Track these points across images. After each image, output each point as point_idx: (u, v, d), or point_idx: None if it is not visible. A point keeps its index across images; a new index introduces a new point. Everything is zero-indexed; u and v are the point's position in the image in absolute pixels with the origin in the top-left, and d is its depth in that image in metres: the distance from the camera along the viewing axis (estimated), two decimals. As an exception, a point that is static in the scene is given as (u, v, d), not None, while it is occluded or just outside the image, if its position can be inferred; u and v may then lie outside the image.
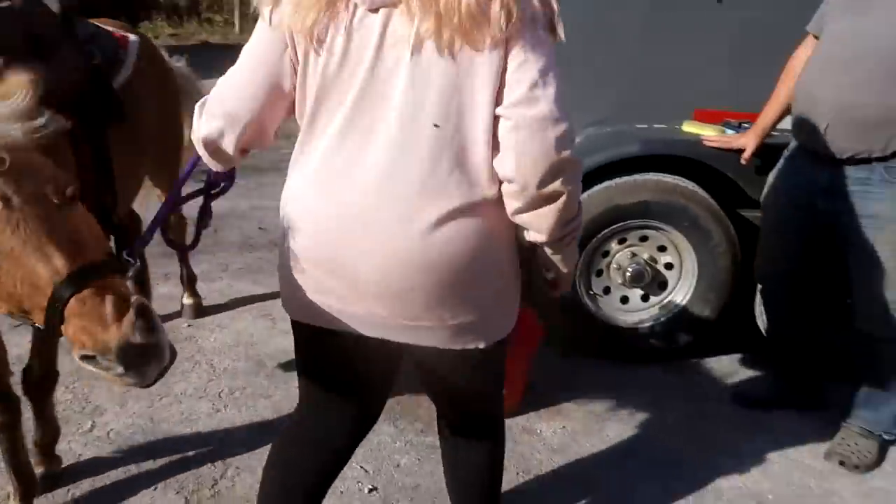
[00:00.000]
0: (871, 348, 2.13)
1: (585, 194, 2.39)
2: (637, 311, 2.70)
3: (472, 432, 1.54)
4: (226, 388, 2.44)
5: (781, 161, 2.24)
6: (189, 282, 2.92)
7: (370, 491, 1.99)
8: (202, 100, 1.30)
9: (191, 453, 2.09)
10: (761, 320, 2.55)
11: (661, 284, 2.68)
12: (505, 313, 1.32)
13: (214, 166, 1.36)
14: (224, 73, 1.27)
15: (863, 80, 1.90)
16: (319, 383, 1.49)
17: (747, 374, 2.68)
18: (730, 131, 2.53)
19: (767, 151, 2.40)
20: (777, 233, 2.25)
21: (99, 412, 2.26)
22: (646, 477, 2.10)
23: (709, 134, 2.52)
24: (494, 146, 1.13)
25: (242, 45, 1.26)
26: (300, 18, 1.13)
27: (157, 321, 1.01)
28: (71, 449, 2.08)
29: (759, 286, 2.44)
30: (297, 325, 1.42)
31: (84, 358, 1.02)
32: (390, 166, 1.14)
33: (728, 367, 2.72)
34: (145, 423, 2.23)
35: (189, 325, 2.86)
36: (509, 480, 2.04)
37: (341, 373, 1.44)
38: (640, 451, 2.20)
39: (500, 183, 1.15)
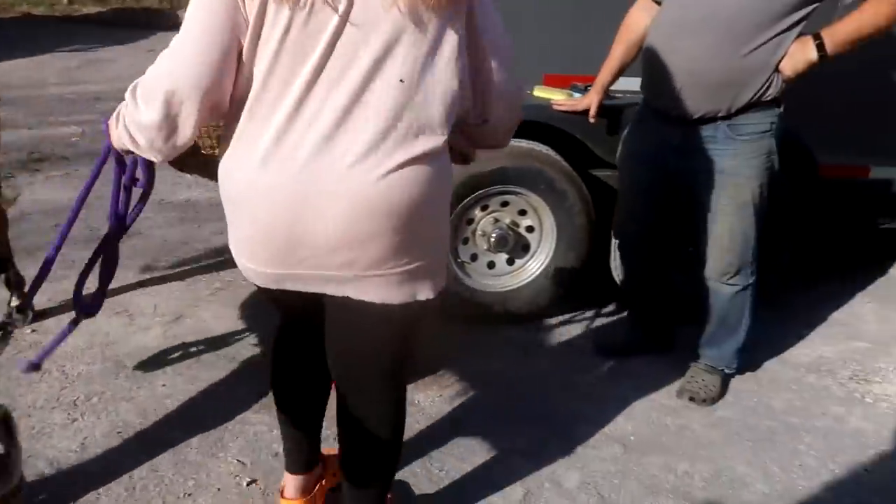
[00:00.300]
0: (714, 293, 2.32)
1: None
2: (504, 275, 2.79)
3: (379, 395, 1.53)
4: (81, 395, 2.27)
5: (633, 123, 2.36)
6: (17, 285, 2.65)
7: (249, 483, 1.94)
8: (133, 85, 1.24)
9: (46, 471, 1.94)
10: (617, 273, 2.72)
11: (525, 247, 2.78)
12: (443, 265, 1.41)
13: (158, 157, 1.30)
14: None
15: (709, 44, 2.01)
16: (286, 310, 1.64)
17: (607, 325, 2.85)
18: (577, 94, 2.63)
19: (614, 113, 2.53)
20: (633, 191, 2.38)
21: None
22: (521, 433, 2.19)
23: (558, 98, 2.61)
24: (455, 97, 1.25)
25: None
26: None
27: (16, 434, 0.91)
28: None
29: (617, 242, 2.58)
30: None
31: None
32: (356, 118, 1.19)
33: (589, 320, 2.88)
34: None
35: (34, 331, 2.63)
36: (390, 454, 2.07)
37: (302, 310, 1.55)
38: (515, 409, 2.29)
39: (449, 130, 1.26)
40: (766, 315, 2.91)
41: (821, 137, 2.64)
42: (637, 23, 2.29)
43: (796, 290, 3.10)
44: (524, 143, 2.63)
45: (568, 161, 2.67)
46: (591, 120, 2.47)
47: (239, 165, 1.25)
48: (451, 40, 1.21)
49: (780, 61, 2.00)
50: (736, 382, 2.50)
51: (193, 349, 2.56)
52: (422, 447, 2.11)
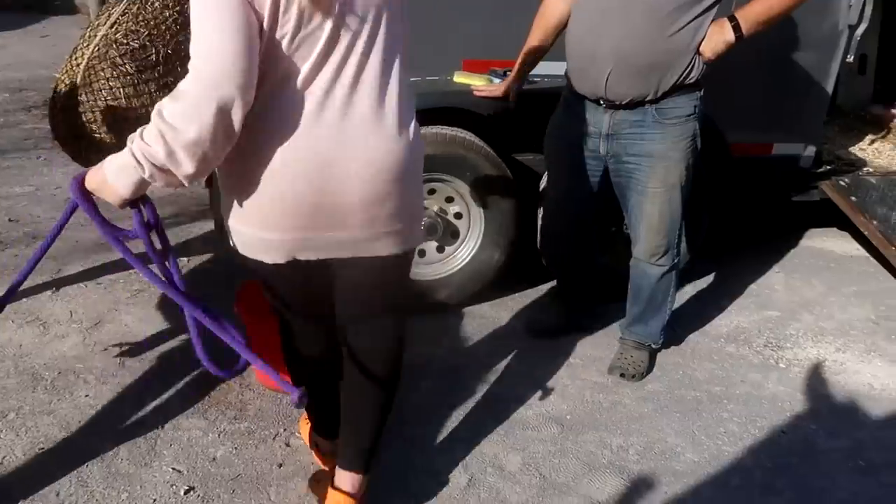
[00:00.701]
0: (643, 273, 2.41)
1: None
2: (434, 263, 2.79)
3: (391, 332, 1.73)
4: (-4, 412, 2.14)
5: (561, 108, 2.39)
6: None
7: (187, 492, 1.89)
8: (162, 114, 1.25)
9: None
10: (545, 256, 2.77)
11: (454, 234, 2.79)
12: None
13: (195, 177, 1.31)
14: None
15: (634, 27, 2.05)
16: (288, 300, 1.67)
17: (537, 307, 2.90)
18: (496, 80, 2.65)
19: (535, 97, 2.56)
20: (563, 177, 2.42)
21: None
22: (462, 420, 2.22)
23: (477, 83, 2.62)
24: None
25: None
26: None
27: None
28: None
29: (547, 225, 2.61)
30: (266, 265, 1.51)
31: None
32: (380, 92, 1.37)
33: (520, 303, 2.93)
34: None
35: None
36: (332, 450, 2.05)
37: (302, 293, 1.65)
38: (454, 398, 2.31)
39: None
40: (686, 289, 3.07)
41: (728, 117, 2.77)
42: (554, 8, 2.32)
43: (712, 263, 3.26)
44: (447, 130, 2.63)
45: (491, 146, 2.69)
46: (511, 105, 2.50)
47: (269, 140, 1.34)
48: (403, 19, 1.40)
49: (699, 44, 2.07)
50: (662, 356, 2.61)
51: (117, 355, 2.44)
52: (363, 441, 2.10)
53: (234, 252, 1.58)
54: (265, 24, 1.24)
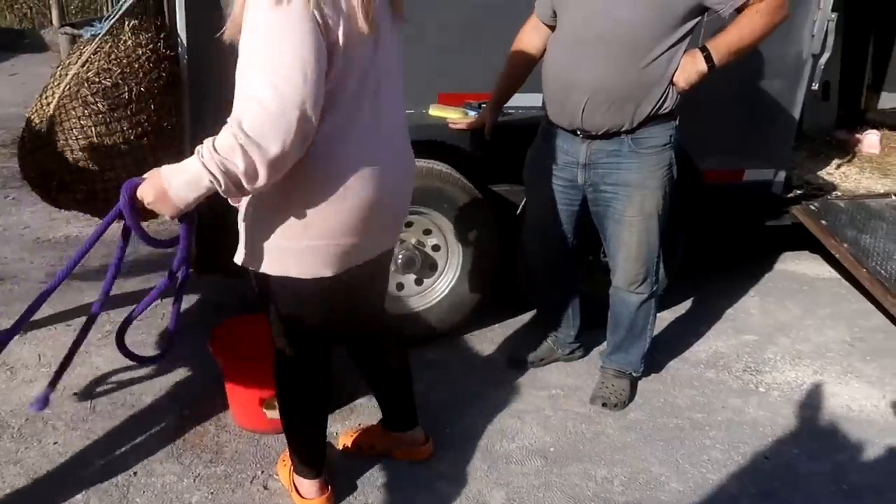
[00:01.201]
0: (622, 301, 2.41)
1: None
2: (413, 296, 2.77)
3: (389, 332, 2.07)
4: (-40, 463, 2.05)
5: (538, 139, 2.40)
6: None
7: (161, 541, 1.82)
8: (237, 132, 1.29)
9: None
10: (525, 285, 2.76)
11: (432, 266, 2.78)
12: None
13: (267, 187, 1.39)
14: None
15: (609, 60, 2.07)
16: (327, 319, 1.74)
17: (517, 338, 2.89)
18: (471, 112, 2.66)
19: (510, 129, 2.58)
20: (542, 207, 2.42)
21: None
22: (444, 457, 2.18)
23: (453, 116, 2.63)
24: None
25: None
26: None
27: None
28: None
29: (526, 256, 2.61)
30: (323, 282, 1.59)
31: None
32: (399, 104, 1.62)
33: (500, 335, 2.91)
34: None
35: None
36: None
37: (363, 295, 1.84)
38: (437, 432, 2.26)
39: None
40: (664, 315, 3.08)
41: (699, 145, 2.81)
42: (528, 42, 2.35)
43: (689, 289, 3.28)
44: (424, 163, 2.63)
45: (468, 178, 2.70)
46: (487, 137, 2.51)
47: (339, 152, 1.46)
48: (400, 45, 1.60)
49: (673, 74, 2.11)
50: (643, 384, 2.60)
51: (86, 399, 2.37)
52: (344, 479, 2.05)
53: (259, 281, 1.67)
54: (331, 43, 1.36)
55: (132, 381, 2.48)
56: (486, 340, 2.86)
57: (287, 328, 1.73)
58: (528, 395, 2.53)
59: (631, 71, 2.08)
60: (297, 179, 1.44)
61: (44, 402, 1.86)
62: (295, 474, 1.94)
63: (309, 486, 1.92)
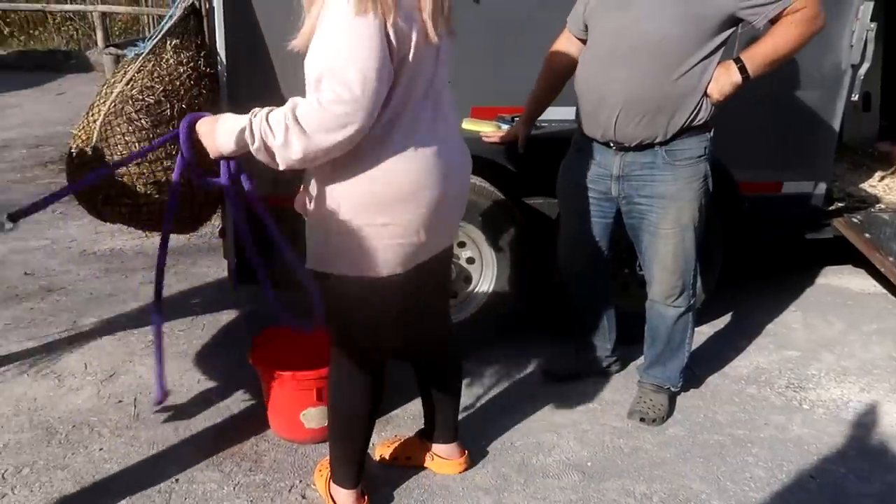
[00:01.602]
0: (659, 315, 2.39)
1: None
2: (449, 308, 2.77)
3: (453, 329, 2.15)
4: (10, 467, 2.11)
5: (572, 152, 2.41)
6: None
7: (202, 548, 1.85)
8: (298, 112, 1.43)
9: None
10: (559, 298, 2.75)
11: (466, 279, 2.79)
12: None
13: (298, 168, 1.54)
14: None
15: (642, 72, 2.08)
16: (394, 320, 1.79)
17: (552, 351, 2.87)
18: (504, 125, 2.67)
19: (544, 143, 2.58)
20: (577, 220, 2.42)
21: None
22: (481, 470, 2.17)
23: (486, 130, 2.64)
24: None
25: None
26: None
27: None
28: None
29: (560, 268, 2.60)
30: (388, 282, 1.66)
31: None
32: (455, 117, 1.75)
33: (536, 348, 2.89)
34: None
35: None
36: None
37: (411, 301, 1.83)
38: (471, 443, 2.26)
39: None
40: (703, 329, 3.04)
41: (736, 156, 2.78)
42: (561, 56, 2.36)
43: (729, 303, 3.23)
44: (460, 176, 2.64)
45: (501, 191, 2.70)
46: (521, 151, 2.52)
47: (412, 155, 1.56)
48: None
49: (706, 86, 2.10)
50: (682, 399, 2.56)
51: (131, 408, 2.43)
52: (381, 491, 2.06)
53: (326, 287, 1.72)
54: (399, 53, 1.46)
55: (175, 390, 2.52)
56: (521, 354, 2.85)
57: (352, 334, 1.78)
58: (564, 408, 2.51)
59: (663, 83, 2.07)
60: (378, 181, 1.55)
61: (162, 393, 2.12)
62: (333, 484, 1.95)
63: (346, 497, 1.93)
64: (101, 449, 2.21)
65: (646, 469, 2.21)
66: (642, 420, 2.41)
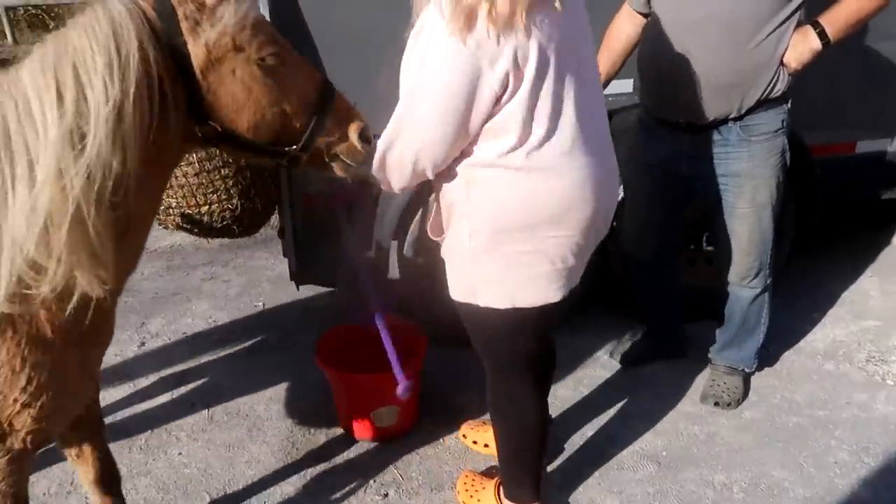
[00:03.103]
0: (734, 296, 2.30)
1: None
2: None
3: None
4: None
5: (638, 132, 2.30)
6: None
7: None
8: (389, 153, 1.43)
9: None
10: (624, 281, 2.68)
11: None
12: None
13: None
14: None
15: (712, 44, 1.96)
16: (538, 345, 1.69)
17: (617, 334, 2.81)
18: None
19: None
20: (641, 201, 2.33)
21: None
22: (552, 461, 2.15)
23: None
24: None
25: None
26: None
27: None
28: None
29: (626, 250, 2.52)
30: (538, 312, 1.55)
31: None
32: (601, 117, 1.56)
33: (600, 332, 2.84)
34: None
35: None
36: (424, 501, 2.02)
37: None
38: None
39: None
40: (773, 302, 2.92)
41: (806, 119, 2.62)
42: (621, 32, 2.24)
43: (798, 271, 3.10)
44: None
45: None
46: None
47: (559, 173, 1.42)
48: None
49: (783, 54, 1.97)
50: (757, 380, 2.48)
51: (205, 411, 2.48)
52: (451, 484, 2.06)
53: (468, 315, 1.63)
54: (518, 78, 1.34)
55: (245, 391, 2.57)
56: (589, 338, 2.79)
57: (503, 361, 1.70)
58: (633, 395, 2.46)
59: (737, 54, 1.95)
60: (519, 202, 1.43)
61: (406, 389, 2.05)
62: (506, 499, 1.88)
63: None
64: (179, 453, 2.27)
65: (723, 456, 2.15)
66: (717, 404, 2.35)
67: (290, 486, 2.12)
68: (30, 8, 9.70)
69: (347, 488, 2.10)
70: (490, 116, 1.37)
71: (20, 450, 1.31)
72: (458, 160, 1.45)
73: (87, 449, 1.70)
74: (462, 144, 1.41)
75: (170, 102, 1.15)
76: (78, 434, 1.65)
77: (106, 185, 1.07)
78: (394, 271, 2.54)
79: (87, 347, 1.33)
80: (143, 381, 2.66)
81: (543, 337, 1.70)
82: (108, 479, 1.76)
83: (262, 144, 1.29)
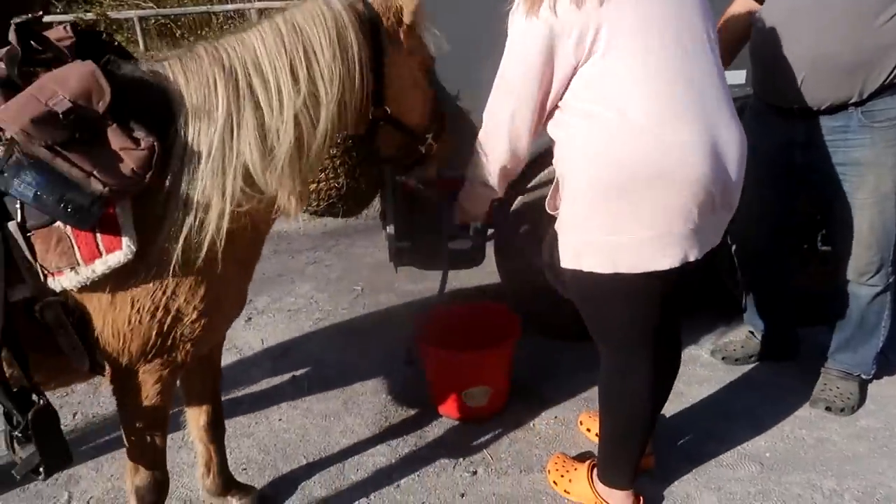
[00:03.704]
0: (852, 295, 2.16)
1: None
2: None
3: None
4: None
5: (749, 120, 2.21)
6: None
7: (375, 517, 1.93)
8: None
9: (181, 511, 1.98)
10: (728, 278, 2.57)
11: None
12: None
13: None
14: None
15: (832, 25, 1.88)
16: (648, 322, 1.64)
17: (724, 331, 2.70)
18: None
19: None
20: (755, 193, 2.23)
21: (73, 481, 2.12)
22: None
23: None
24: None
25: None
26: None
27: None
28: (50, 527, 1.95)
29: (738, 244, 2.43)
30: (646, 280, 1.51)
31: None
32: (714, 77, 1.52)
33: (705, 327, 2.74)
34: (125, 485, 2.09)
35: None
36: (513, 482, 2.02)
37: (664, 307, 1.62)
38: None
39: None
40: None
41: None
42: (736, 20, 2.16)
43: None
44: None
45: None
46: None
47: (656, 133, 1.41)
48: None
49: None
50: (875, 388, 2.32)
51: (304, 382, 2.58)
52: (541, 467, 2.04)
53: (577, 286, 1.64)
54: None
55: (341, 366, 2.65)
56: (690, 335, 2.70)
57: (613, 332, 1.67)
58: (736, 394, 2.36)
59: (861, 35, 1.85)
60: (615, 162, 1.43)
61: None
62: (601, 485, 1.86)
63: (622, 499, 1.83)
64: (280, 419, 2.37)
65: (834, 463, 2.02)
66: (828, 409, 2.21)
67: (382, 456, 2.16)
68: (159, 18, 10.50)
69: (437, 463, 2.12)
70: (569, 81, 1.46)
71: (180, 363, 1.47)
72: (556, 129, 1.54)
73: (203, 393, 1.83)
74: (547, 109, 1.51)
75: (367, 86, 1.45)
76: (200, 376, 1.79)
77: (326, 136, 1.41)
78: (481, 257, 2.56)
79: (249, 271, 1.58)
80: (249, 352, 2.80)
81: (657, 312, 1.61)
82: (216, 425, 1.88)
83: (412, 129, 1.59)
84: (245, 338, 2.90)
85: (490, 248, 2.63)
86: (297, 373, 2.64)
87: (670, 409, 2.29)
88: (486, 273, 2.95)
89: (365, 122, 1.53)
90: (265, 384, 2.58)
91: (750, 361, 2.49)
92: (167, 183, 1.31)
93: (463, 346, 2.23)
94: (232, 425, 2.34)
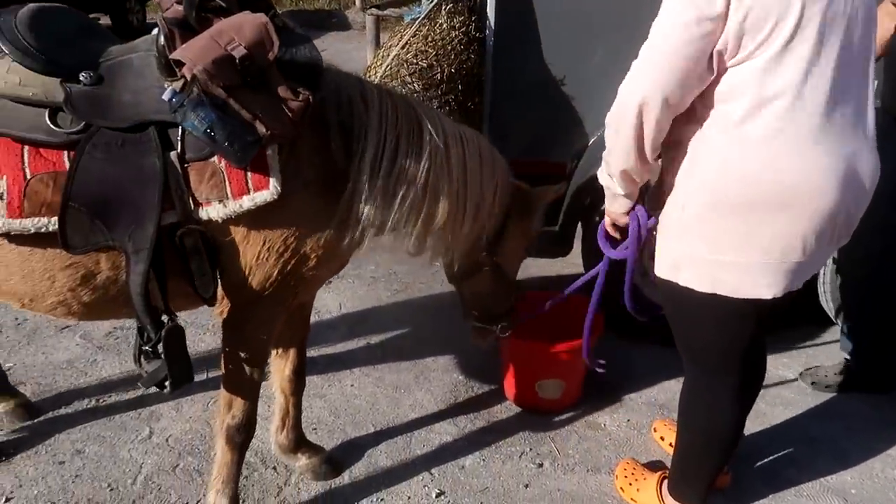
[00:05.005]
0: None
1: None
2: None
3: None
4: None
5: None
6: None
7: (438, 495, 1.94)
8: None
9: (251, 459, 2.04)
10: (828, 299, 2.44)
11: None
12: None
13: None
14: None
15: None
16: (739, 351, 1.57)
17: (814, 355, 2.58)
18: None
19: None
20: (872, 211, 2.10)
21: (155, 417, 2.22)
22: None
23: None
24: None
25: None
26: None
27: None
28: (131, 457, 2.05)
29: (838, 267, 2.29)
30: (745, 305, 1.43)
31: None
32: (859, 92, 1.38)
33: (793, 350, 2.62)
34: (202, 428, 2.18)
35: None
36: (579, 480, 1.99)
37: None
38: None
39: None
40: None
41: None
42: (882, 30, 2.01)
43: None
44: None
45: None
46: None
47: (787, 149, 1.29)
48: None
49: None
50: (979, 435, 2.17)
51: (378, 350, 2.61)
52: (609, 470, 2.01)
53: (675, 296, 1.52)
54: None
55: (415, 339, 2.68)
56: (779, 356, 2.58)
57: (701, 348, 1.60)
58: (821, 421, 2.24)
59: None
60: (732, 176, 1.33)
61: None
62: (669, 496, 1.81)
63: None
64: (351, 385, 2.42)
65: (928, 510, 1.91)
66: (924, 452, 2.08)
67: (449, 436, 2.17)
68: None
69: (503, 450, 2.12)
70: (719, 76, 1.31)
71: (287, 303, 1.59)
72: (686, 127, 1.38)
73: (293, 341, 1.90)
74: (683, 94, 1.32)
75: (490, 236, 1.74)
76: (291, 325, 1.85)
77: (478, 239, 1.72)
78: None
79: None
80: (326, 315, 2.86)
81: (748, 335, 1.53)
82: (299, 374, 1.94)
83: (510, 273, 1.89)
84: (324, 300, 2.96)
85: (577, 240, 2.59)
86: (372, 340, 2.68)
87: (750, 427, 2.19)
88: (567, 264, 2.90)
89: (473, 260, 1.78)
90: (340, 347, 2.63)
91: (840, 390, 2.36)
92: (351, 169, 1.47)
93: (543, 335, 2.20)
94: (306, 386, 2.40)
